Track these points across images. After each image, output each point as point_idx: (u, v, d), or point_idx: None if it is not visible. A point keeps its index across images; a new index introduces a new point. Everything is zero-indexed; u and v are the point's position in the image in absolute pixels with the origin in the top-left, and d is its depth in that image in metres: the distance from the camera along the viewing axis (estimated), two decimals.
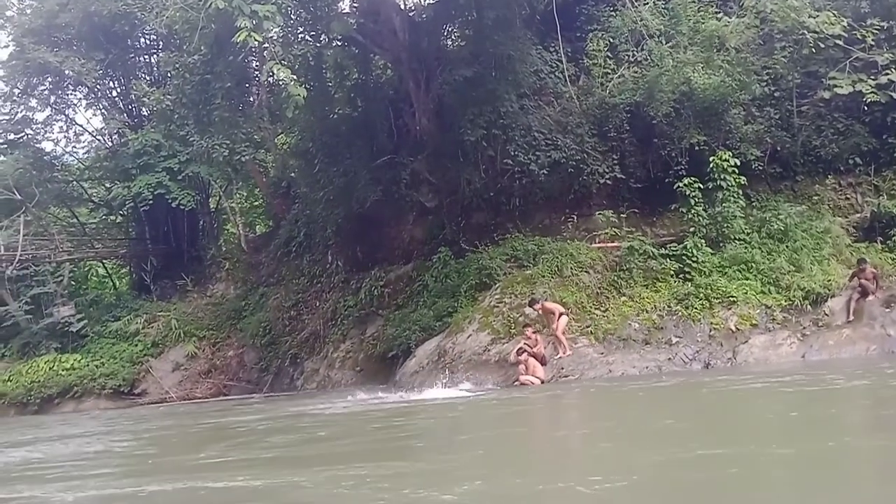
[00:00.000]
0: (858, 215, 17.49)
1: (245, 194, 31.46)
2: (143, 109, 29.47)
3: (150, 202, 26.50)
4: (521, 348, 15.13)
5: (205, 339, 24.19)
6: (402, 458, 8.02)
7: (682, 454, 6.74)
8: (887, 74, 16.68)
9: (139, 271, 28.77)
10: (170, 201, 26.60)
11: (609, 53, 19.59)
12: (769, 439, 7.23)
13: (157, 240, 29.49)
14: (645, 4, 19.09)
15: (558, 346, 15.29)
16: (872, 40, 17.01)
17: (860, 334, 14.60)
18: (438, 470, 7.18)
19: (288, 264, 24.23)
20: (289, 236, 24.76)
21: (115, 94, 30.24)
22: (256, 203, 31.58)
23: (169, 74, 24.41)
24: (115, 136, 30.15)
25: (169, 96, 23.18)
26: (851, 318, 14.83)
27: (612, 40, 19.61)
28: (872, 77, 16.83)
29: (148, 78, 29.60)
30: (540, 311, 15.61)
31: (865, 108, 17.36)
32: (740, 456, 6.57)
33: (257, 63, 20.85)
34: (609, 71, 19.49)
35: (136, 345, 24.03)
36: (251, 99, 22.84)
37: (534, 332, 15.17)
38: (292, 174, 26.07)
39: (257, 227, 31.82)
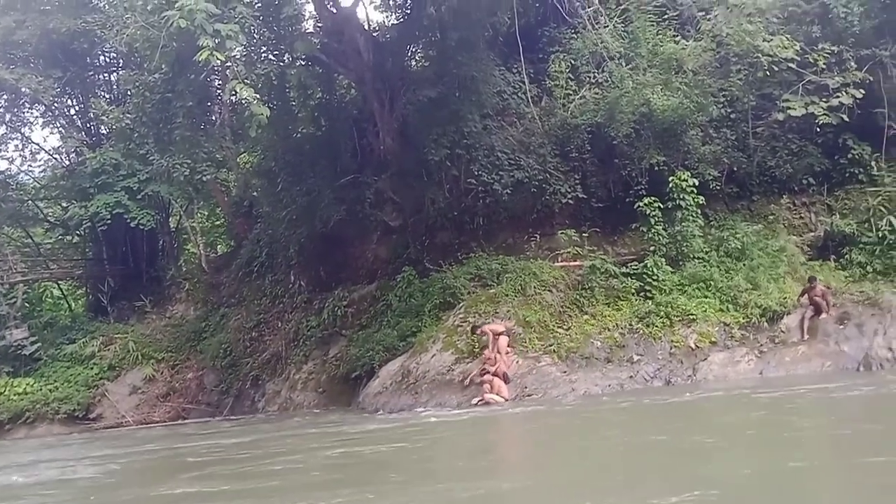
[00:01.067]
0: (812, 234, 17.91)
1: (206, 214, 31.08)
2: (102, 128, 28.97)
3: (108, 222, 25.98)
4: (484, 368, 15.15)
5: (163, 361, 23.67)
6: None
7: (760, 466, 6.62)
8: (838, 97, 17.16)
9: (96, 292, 28.13)
10: (128, 221, 26.11)
11: (570, 75, 19.89)
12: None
13: (115, 260, 28.89)
14: (605, 27, 19.45)
15: (491, 365, 15.05)
16: (824, 64, 17.52)
17: (815, 351, 14.89)
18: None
19: (249, 284, 23.92)
20: (250, 256, 24.47)
21: (73, 112, 29.71)
22: (218, 223, 31.19)
23: (129, 93, 24.10)
24: (73, 155, 29.56)
25: (129, 115, 22.90)
26: (807, 336, 15.12)
27: (573, 62, 19.92)
28: (824, 100, 17.31)
29: (107, 96, 29.15)
30: (483, 336, 15.62)
31: (818, 129, 17.83)
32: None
33: (220, 82, 20.70)
34: (571, 92, 19.77)
35: (92, 368, 23.41)
36: (213, 118, 22.69)
37: (490, 352, 15.18)
38: (255, 193, 25.85)
39: (218, 246, 31.41)
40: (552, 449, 9.49)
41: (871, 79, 17.38)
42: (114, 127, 25.91)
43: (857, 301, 15.51)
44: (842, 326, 15.08)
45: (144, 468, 11.33)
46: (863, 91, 17.12)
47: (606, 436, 10.00)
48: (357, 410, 17.00)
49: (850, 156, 17.90)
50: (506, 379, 14.93)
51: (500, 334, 15.48)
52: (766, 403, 11.51)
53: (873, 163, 17.77)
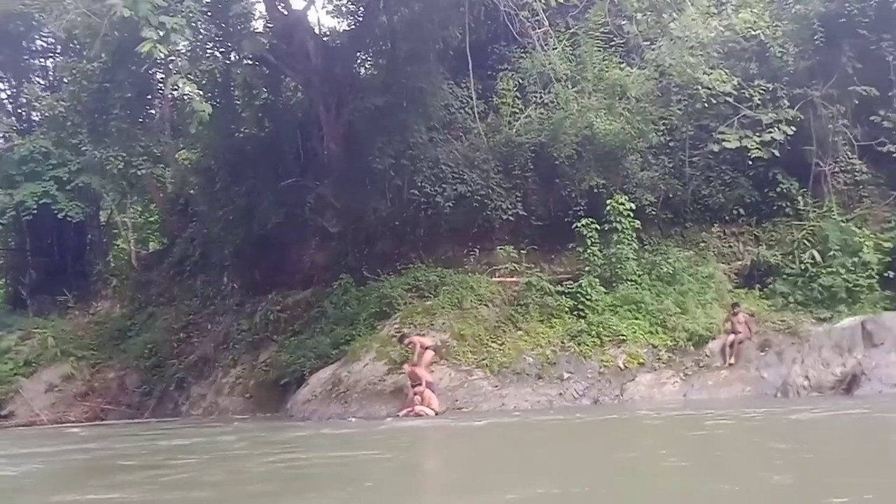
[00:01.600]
0: (740, 263, 18.51)
1: (139, 209, 30.21)
2: (34, 114, 27.99)
3: (34, 212, 25.00)
4: (417, 381, 15.07)
5: (84, 359, 22.80)
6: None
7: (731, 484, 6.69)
8: (770, 133, 17.84)
9: (16, 284, 27.04)
10: (56, 212, 25.18)
11: (518, 94, 20.16)
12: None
13: (39, 252, 27.78)
14: (554, 49, 19.79)
15: (414, 378, 14.99)
16: (759, 100, 18.23)
17: (737, 376, 15.37)
18: None
19: (180, 284, 23.33)
20: (183, 255, 23.88)
21: (3, 96, 28.62)
22: (151, 219, 30.36)
23: (65, 80, 23.27)
24: (1, 140, 28.41)
25: (63, 102, 22.16)
26: (732, 360, 15.59)
27: (521, 81, 20.19)
28: (757, 134, 17.97)
29: (42, 82, 28.19)
30: (410, 346, 15.62)
31: (750, 162, 18.49)
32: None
33: (161, 75, 20.25)
34: (517, 111, 20.03)
35: (6, 363, 22.38)
36: (152, 111, 22.16)
37: (411, 367, 15.16)
38: (191, 191, 25.29)
39: (150, 243, 30.55)
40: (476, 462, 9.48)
41: (802, 117, 18.14)
42: (46, 114, 25.08)
43: (778, 330, 16.09)
44: (763, 353, 15.62)
45: (54, 471, 10.70)
46: (794, 128, 17.85)
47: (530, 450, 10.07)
48: (285, 417, 16.71)
49: (778, 189, 18.59)
50: (431, 389, 14.84)
51: (427, 348, 15.48)
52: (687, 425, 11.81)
53: (800, 197, 18.49)
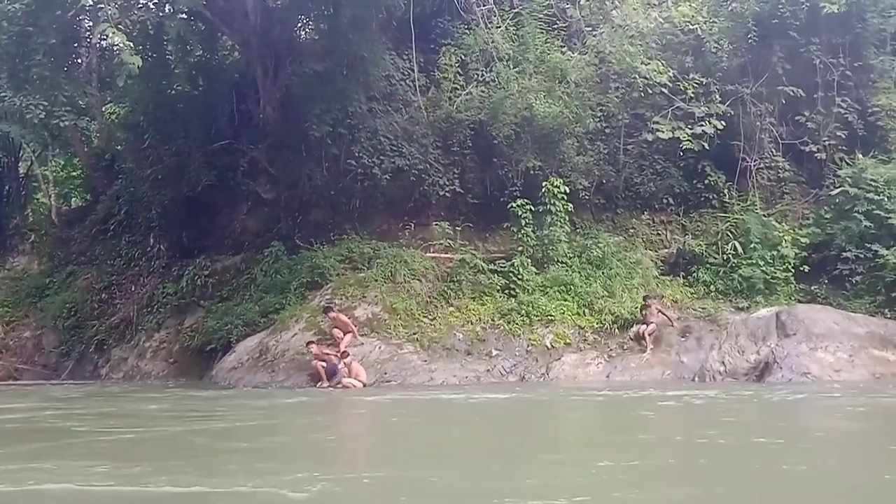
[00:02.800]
0: (666, 250, 19.12)
1: (62, 163, 28.85)
2: None
3: None
4: (344, 351, 15.12)
5: None
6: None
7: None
8: (702, 126, 18.39)
9: None
10: None
11: (459, 70, 20.09)
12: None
13: None
14: (497, 28, 19.80)
15: (332, 357, 15.14)
16: (692, 93, 18.72)
17: (658, 359, 15.94)
18: None
19: (104, 243, 22.48)
20: (108, 213, 22.98)
21: None
22: (74, 173, 29.02)
23: None
24: None
25: None
26: (652, 346, 16.12)
27: (463, 57, 20.12)
28: (689, 126, 18.48)
29: None
30: (332, 320, 15.63)
31: (681, 153, 19.04)
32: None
33: (90, 23, 19.32)
34: (458, 87, 19.98)
35: None
36: (79, 60, 21.12)
37: (318, 345, 15.24)
38: (118, 147, 24.29)
39: (72, 199, 29.22)
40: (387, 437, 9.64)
41: (732, 112, 18.75)
42: None
43: (698, 317, 16.74)
44: (683, 339, 16.23)
45: None
46: (724, 123, 18.44)
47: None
48: (209, 384, 16.48)
49: (706, 181, 19.22)
50: (331, 373, 14.85)
51: (348, 333, 15.47)
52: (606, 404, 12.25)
53: (726, 190, 19.17)
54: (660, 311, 16.38)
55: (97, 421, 10.56)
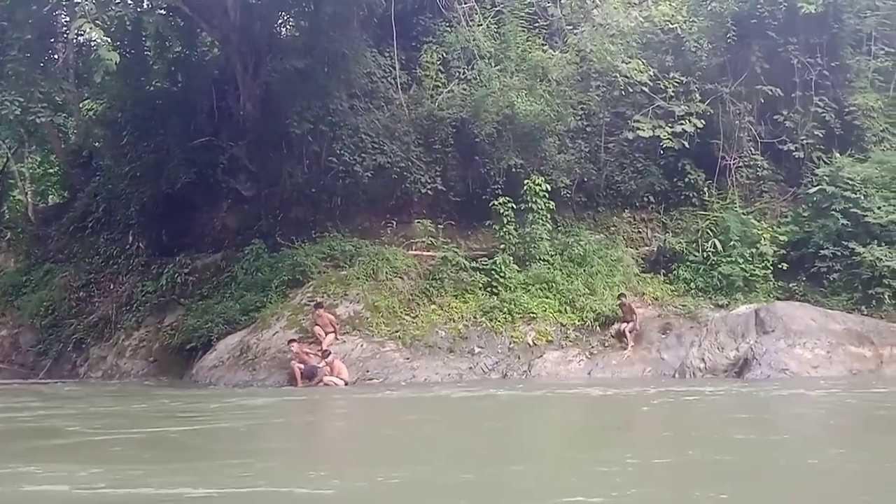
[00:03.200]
0: (647, 248, 19.25)
1: (38, 159, 28.42)
2: None
3: None
4: (326, 350, 15.07)
5: None
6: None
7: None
8: (682, 125, 18.54)
9: None
10: None
11: (441, 67, 20.06)
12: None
13: None
14: (479, 25, 19.80)
15: (312, 357, 15.16)
16: (673, 92, 18.87)
17: (639, 356, 16.07)
18: None
19: (81, 241, 22.19)
20: (85, 210, 22.68)
21: None
22: (51, 170, 28.59)
23: None
24: None
25: None
26: (632, 344, 16.21)
27: (445, 55, 20.10)
28: (669, 125, 18.63)
29: None
30: (319, 317, 15.62)
31: (661, 152, 19.18)
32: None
33: (66, 18, 19.05)
34: (440, 84, 19.95)
35: None
36: (55, 56, 20.83)
37: (299, 343, 15.22)
38: (96, 144, 23.98)
39: (49, 196, 28.81)
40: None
41: (712, 111, 18.92)
42: None
43: (679, 314, 16.88)
44: (664, 336, 16.36)
45: None
46: (703, 122, 18.61)
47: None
48: (189, 383, 16.36)
49: (686, 180, 19.38)
50: (309, 375, 14.82)
51: (331, 332, 15.43)
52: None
53: (706, 188, 19.34)
54: (631, 309, 16.44)
55: (85, 421, 10.41)
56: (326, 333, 15.51)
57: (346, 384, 14.68)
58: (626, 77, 18.56)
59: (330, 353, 14.95)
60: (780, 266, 17.68)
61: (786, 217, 18.82)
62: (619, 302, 16.61)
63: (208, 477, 6.23)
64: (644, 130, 18.69)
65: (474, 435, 9.27)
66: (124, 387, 16.08)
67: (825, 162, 18.81)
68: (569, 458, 7.43)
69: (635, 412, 11.15)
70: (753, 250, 17.67)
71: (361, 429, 10.54)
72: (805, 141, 19.27)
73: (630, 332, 16.20)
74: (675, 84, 18.88)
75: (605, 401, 12.41)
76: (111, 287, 20.81)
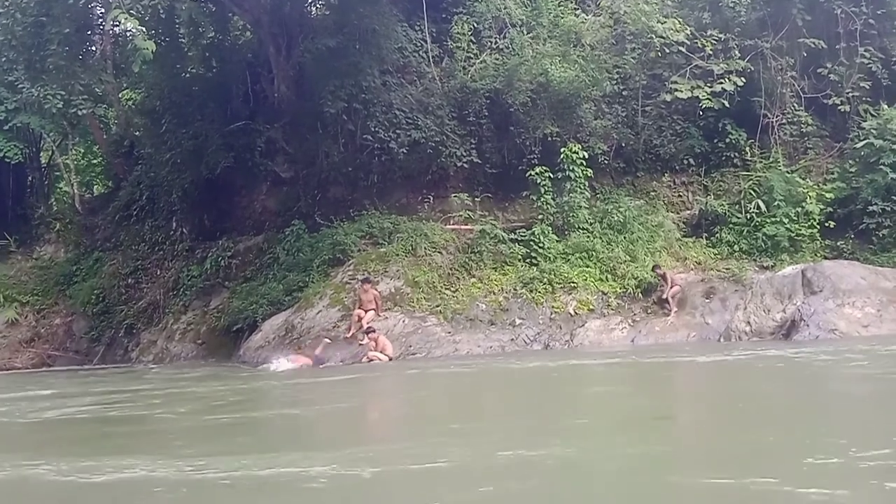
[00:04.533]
0: (688, 212, 18.90)
1: (82, 151, 29.07)
2: None
3: None
4: (370, 326, 15.21)
5: (28, 304, 22.24)
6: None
7: None
8: (721, 83, 18.05)
9: None
10: None
11: (473, 38, 19.86)
12: None
13: None
14: None
15: (357, 329, 15.36)
16: (711, 50, 18.37)
17: (682, 322, 15.86)
18: None
19: (127, 229, 22.74)
20: (130, 199, 23.20)
21: None
22: (95, 161, 29.28)
23: None
24: None
25: None
26: (675, 308, 16.01)
27: (476, 25, 19.89)
28: (709, 84, 18.16)
29: None
30: (366, 291, 15.73)
31: (700, 112, 18.73)
32: None
33: (101, 9, 19.34)
34: (472, 55, 19.77)
35: None
36: (93, 48, 21.18)
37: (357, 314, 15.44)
38: (136, 133, 24.44)
39: (95, 187, 29.54)
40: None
41: (752, 68, 18.37)
42: None
43: (722, 277, 16.59)
44: (707, 300, 16.11)
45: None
46: (744, 79, 18.08)
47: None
48: (237, 363, 16.70)
49: (727, 140, 18.91)
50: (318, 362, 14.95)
51: (371, 309, 15.58)
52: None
53: (748, 148, 18.86)
54: (665, 276, 16.19)
55: (171, 406, 10.35)
56: (367, 310, 15.62)
57: (389, 359, 14.82)
58: (662, 37, 18.11)
59: (374, 329, 15.08)
60: (826, 224, 17.23)
61: (832, 174, 18.29)
62: (654, 274, 16.35)
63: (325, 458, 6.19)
64: (682, 92, 18.27)
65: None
66: (186, 370, 16.24)
67: (872, 115, 18.17)
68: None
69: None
70: (799, 209, 17.23)
71: (461, 401, 10.22)
72: (851, 94, 18.62)
73: (672, 297, 16.00)
74: (714, 42, 18.37)
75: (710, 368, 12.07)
76: (158, 273, 21.31)
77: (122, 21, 16.58)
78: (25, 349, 21.32)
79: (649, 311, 16.19)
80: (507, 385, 11.59)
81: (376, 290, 16.08)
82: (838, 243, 17.19)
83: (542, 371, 12.48)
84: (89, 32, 20.06)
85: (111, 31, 21.08)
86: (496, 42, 19.78)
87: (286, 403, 10.69)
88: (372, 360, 14.76)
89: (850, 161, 18.01)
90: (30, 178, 27.74)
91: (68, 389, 13.81)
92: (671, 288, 16.12)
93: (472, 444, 6.57)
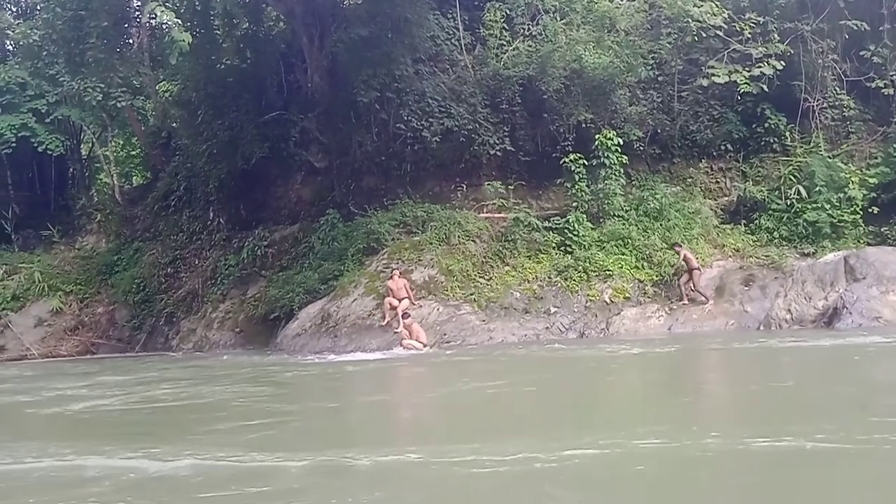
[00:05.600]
0: (726, 198, 18.62)
1: (121, 142, 29.62)
2: (8, 43, 27.04)
3: (14, 145, 24.45)
4: (405, 312, 15.28)
5: (72, 293, 22.76)
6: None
7: None
8: (760, 67, 17.72)
9: None
10: (35, 145, 24.67)
11: (505, 25, 19.73)
12: None
13: (21, 186, 27.29)
14: None
15: (392, 317, 15.45)
16: (749, 33, 18.02)
17: (721, 310, 15.67)
18: None
19: (166, 219, 23.13)
20: (168, 189, 23.58)
21: None
22: (133, 152, 29.80)
23: (38, 7, 22.52)
24: None
25: (37, 31, 21.38)
26: (688, 294, 15.78)
27: (508, 12, 19.75)
28: (747, 69, 17.83)
29: (14, 9, 27.15)
30: (394, 279, 15.83)
31: (739, 97, 18.40)
32: None
33: (138, 2, 19.62)
34: (504, 43, 19.64)
35: None
36: (130, 41, 21.54)
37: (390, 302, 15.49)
38: (173, 124, 24.78)
39: (133, 178, 30.08)
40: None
41: (792, 51, 18.00)
42: (21, 43, 24.20)
43: (762, 264, 16.35)
44: (746, 288, 15.89)
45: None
46: (783, 63, 17.73)
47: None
48: (275, 351, 16.92)
49: (766, 125, 18.56)
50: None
51: (405, 298, 15.63)
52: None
53: (787, 133, 18.49)
54: (686, 258, 15.95)
55: (259, 394, 10.46)
56: (400, 299, 15.66)
57: (424, 347, 14.88)
58: (699, 21, 17.82)
59: (409, 315, 15.13)
60: (870, 210, 16.85)
61: (875, 158, 17.85)
62: (677, 255, 16.09)
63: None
64: (719, 76, 17.96)
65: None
66: (238, 357, 16.45)
67: None
68: None
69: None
70: (841, 195, 16.88)
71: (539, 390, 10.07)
72: (894, 76, 18.13)
73: (685, 283, 15.76)
74: (752, 25, 18.02)
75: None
76: (196, 262, 21.64)
77: (159, 14, 16.79)
78: (70, 337, 21.84)
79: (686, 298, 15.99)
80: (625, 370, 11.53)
81: (408, 279, 16.13)
82: (882, 229, 16.80)
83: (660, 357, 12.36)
84: (126, 26, 20.38)
85: (148, 24, 21.34)
86: (529, 29, 19.62)
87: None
88: (407, 347, 14.83)
89: (895, 145, 17.54)
90: (71, 169, 28.30)
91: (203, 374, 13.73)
92: (692, 271, 15.80)
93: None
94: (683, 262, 15.98)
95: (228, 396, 10.64)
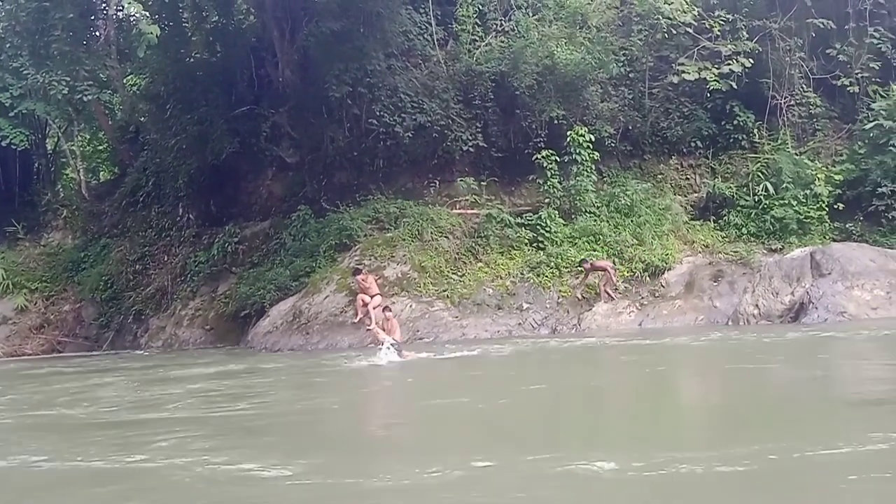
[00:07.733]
0: (696, 195, 18.84)
1: (88, 137, 29.06)
2: None
3: None
4: (387, 306, 15.16)
5: (37, 291, 22.32)
6: None
7: None
8: (729, 65, 17.92)
9: None
10: None
11: (478, 21, 19.74)
12: None
13: None
14: None
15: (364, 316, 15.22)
16: (718, 31, 18.21)
17: (690, 305, 15.85)
18: None
19: (134, 215, 22.77)
20: (136, 185, 23.21)
21: None
22: (100, 147, 29.25)
23: None
24: None
25: (0, 22, 20.94)
26: (606, 295, 15.83)
27: (481, 7, 19.77)
28: (716, 66, 18.03)
29: None
30: (361, 282, 15.54)
31: (708, 94, 18.60)
32: None
33: None
34: (477, 38, 19.65)
35: None
36: (97, 33, 21.12)
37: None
38: (141, 119, 24.40)
39: (101, 173, 29.55)
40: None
41: (760, 49, 18.23)
42: None
43: (730, 260, 16.57)
44: (715, 283, 16.10)
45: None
46: (751, 61, 17.94)
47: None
48: (246, 349, 16.76)
49: (735, 122, 18.80)
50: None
51: (376, 294, 15.38)
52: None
53: (756, 130, 18.75)
54: (590, 267, 15.93)
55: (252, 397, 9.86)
56: (372, 295, 15.54)
57: (394, 343, 14.75)
58: (669, 19, 17.98)
59: (390, 308, 14.91)
60: (835, 206, 17.15)
61: (841, 155, 18.18)
62: (581, 268, 15.99)
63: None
64: (689, 73, 18.14)
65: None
66: (207, 355, 16.08)
67: (882, 95, 18.03)
68: None
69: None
70: (807, 191, 17.16)
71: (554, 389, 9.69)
72: (860, 74, 18.48)
73: (604, 285, 15.78)
74: (721, 23, 18.22)
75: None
76: (165, 259, 21.36)
77: (126, 6, 16.55)
78: (35, 335, 21.43)
79: (657, 294, 16.17)
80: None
81: (377, 275, 16.00)
82: (847, 225, 17.11)
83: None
84: (93, 18, 20.03)
85: (115, 16, 21.04)
86: (501, 24, 19.63)
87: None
88: (374, 342, 14.65)
89: (859, 143, 17.88)
90: (36, 164, 27.72)
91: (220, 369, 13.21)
92: (586, 277, 15.85)
93: None
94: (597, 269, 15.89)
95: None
